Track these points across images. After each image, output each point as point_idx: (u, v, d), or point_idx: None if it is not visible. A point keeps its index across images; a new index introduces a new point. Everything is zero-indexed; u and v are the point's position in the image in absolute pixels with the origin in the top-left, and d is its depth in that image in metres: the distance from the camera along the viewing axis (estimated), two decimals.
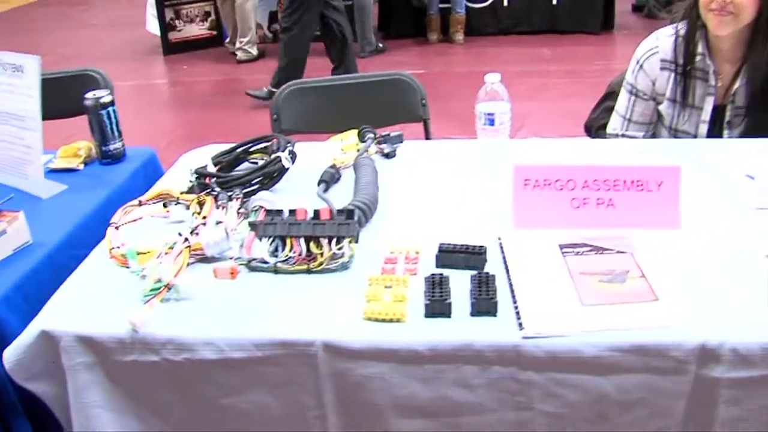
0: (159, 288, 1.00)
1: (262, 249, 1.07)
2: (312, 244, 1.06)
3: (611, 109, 1.79)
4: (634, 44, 1.63)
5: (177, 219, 1.25)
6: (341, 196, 1.27)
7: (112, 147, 1.50)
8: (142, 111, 4.24)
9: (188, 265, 1.06)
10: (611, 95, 1.88)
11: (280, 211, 1.10)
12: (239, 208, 1.23)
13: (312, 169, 1.36)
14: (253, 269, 1.08)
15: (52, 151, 1.54)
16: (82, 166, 1.50)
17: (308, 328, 0.95)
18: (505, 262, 1.06)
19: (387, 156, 1.46)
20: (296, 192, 1.31)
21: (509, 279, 1.02)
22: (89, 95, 1.49)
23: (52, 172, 1.48)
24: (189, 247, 1.08)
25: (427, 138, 1.87)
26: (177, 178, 1.41)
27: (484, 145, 1.39)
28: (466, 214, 1.21)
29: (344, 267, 1.07)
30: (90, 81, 1.84)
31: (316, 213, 1.08)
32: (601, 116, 1.96)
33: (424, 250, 1.09)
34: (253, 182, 1.29)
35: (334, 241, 1.06)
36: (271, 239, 1.07)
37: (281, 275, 1.06)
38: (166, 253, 1.07)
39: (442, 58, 4.98)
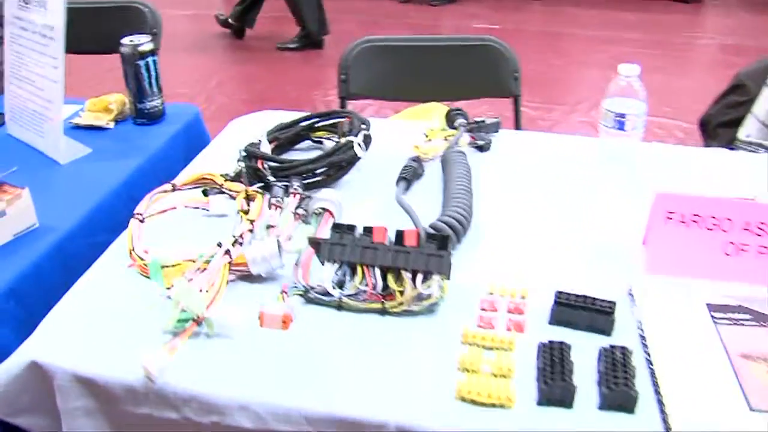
0: (186, 320, 0.73)
1: (324, 274, 0.81)
2: (390, 277, 0.80)
3: (736, 104, 1.47)
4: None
5: (218, 212, 0.99)
6: (423, 198, 1.01)
7: (149, 105, 1.23)
8: (196, 49, 3.92)
9: (227, 283, 0.81)
10: (738, 89, 1.56)
11: (352, 228, 0.83)
12: (296, 207, 0.96)
13: (387, 158, 1.09)
14: (309, 301, 0.82)
15: (81, 100, 1.27)
16: (112, 124, 1.24)
17: (380, 402, 0.70)
18: (640, 330, 0.79)
19: (480, 149, 1.16)
20: (367, 188, 1.05)
21: (648, 357, 0.75)
22: (126, 41, 1.21)
23: (77, 129, 1.23)
24: (230, 263, 0.80)
25: (517, 119, 1.56)
26: (222, 152, 1.16)
27: (607, 149, 1.10)
28: (583, 243, 0.94)
29: (430, 311, 0.81)
30: (134, 16, 1.55)
31: (400, 236, 0.82)
32: (722, 112, 1.64)
33: (533, 294, 0.84)
34: (317, 172, 1.02)
35: (419, 277, 0.79)
36: (337, 265, 0.79)
37: (346, 313, 0.81)
38: (200, 270, 0.79)
39: (518, 15, 4.60)
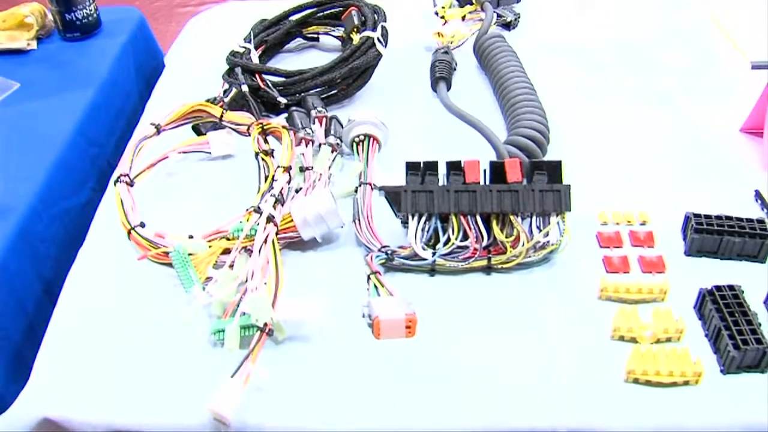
0: (249, 329, 0.52)
1: (409, 231, 0.62)
2: (495, 225, 0.62)
3: None
4: None
5: (222, 152, 0.76)
6: (465, 102, 0.80)
7: (79, 13, 0.92)
8: None
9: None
10: None
11: (433, 166, 0.63)
12: (326, 136, 0.74)
13: (403, 53, 0.89)
14: (392, 268, 0.63)
15: None
16: (35, 44, 0.93)
17: (533, 404, 0.53)
18: None
19: (507, 26, 0.94)
20: (391, 98, 0.84)
21: None
22: None
23: None
24: (277, 232, 0.60)
25: None
26: (191, 68, 0.92)
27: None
28: (677, 144, 0.78)
29: (547, 260, 0.64)
30: None
31: (498, 170, 0.62)
32: None
33: (654, 217, 0.68)
34: (336, 83, 0.80)
35: (535, 220, 0.61)
36: (424, 218, 0.61)
37: (440, 277, 0.62)
38: (240, 250, 0.58)
39: None
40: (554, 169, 0.62)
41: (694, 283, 0.59)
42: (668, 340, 0.56)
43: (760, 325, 0.55)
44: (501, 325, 0.58)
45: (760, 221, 0.63)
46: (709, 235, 0.63)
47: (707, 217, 0.64)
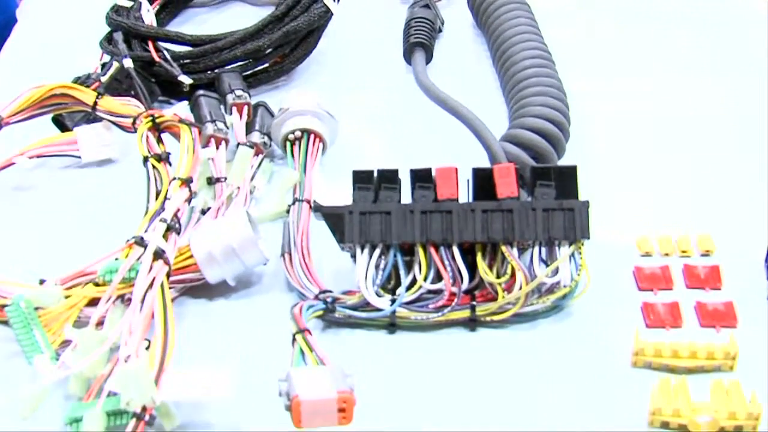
0: (124, 415, 0.52)
1: (356, 270, 0.61)
2: (479, 260, 0.60)
3: None
4: None
5: (96, 157, 0.76)
6: (453, 77, 0.82)
7: None
8: None
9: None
10: None
11: (389, 175, 0.61)
12: (248, 132, 0.75)
13: (360, 3, 0.90)
14: (334, 323, 0.61)
15: None
16: None
17: None
18: None
19: None
20: (345, 74, 0.85)
21: None
22: None
23: None
24: (168, 273, 0.59)
25: None
26: (52, 26, 0.92)
27: None
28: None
29: (555, 310, 0.62)
30: None
31: (483, 180, 0.61)
32: None
33: (723, 245, 0.67)
34: (265, 53, 0.80)
35: (536, 252, 0.60)
36: (378, 251, 0.60)
37: (403, 335, 0.61)
38: (113, 299, 0.59)
39: None
40: (566, 178, 0.60)
41: None
42: (737, 429, 0.54)
43: None
44: (489, 405, 0.56)
45: None
46: None
47: None
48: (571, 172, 0.60)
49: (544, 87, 0.73)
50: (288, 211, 0.67)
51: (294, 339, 0.57)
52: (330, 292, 0.61)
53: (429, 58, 0.82)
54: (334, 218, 0.60)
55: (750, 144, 0.76)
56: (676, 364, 0.57)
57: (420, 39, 0.83)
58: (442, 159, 0.62)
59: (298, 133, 0.72)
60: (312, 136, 0.71)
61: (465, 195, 0.61)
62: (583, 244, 0.60)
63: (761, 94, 0.81)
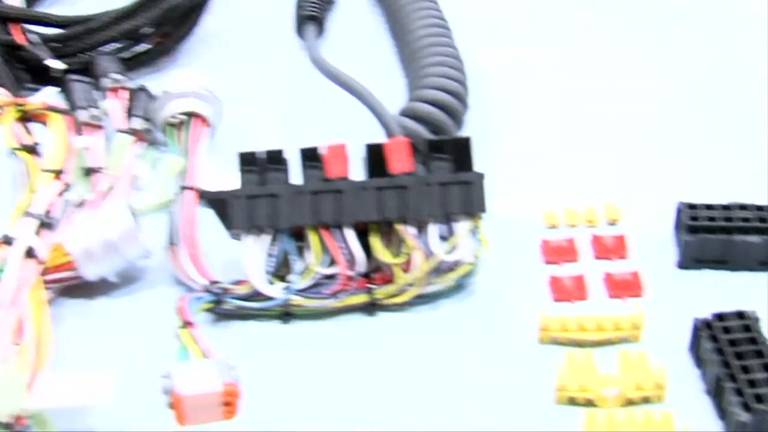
0: None
1: (244, 259, 0.60)
2: (374, 240, 0.60)
3: None
4: None
5: None
6: (349, 52, 0.82)
7: None
8: None
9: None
10: None
11: (276, 156, 0.62)
12: (129, 117, 0.73)
13: None
14: (225, 314, 0.61)
15: None
16: None
17: None
18: None
19: None
20: (229, 51, 0.85)
21: None
22: None
23: None
24: (42, 271, 0.59)
25: None
26: None
27: None
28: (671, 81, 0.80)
29: (459, 289, 0.63)
30: None
31: (377, 154, 0.61)
32: None
33: (630, 213, 0.68)
34: (143, 33, 0.80)
35: (434, 229, 0.60)
36: (268, 236, 0.60)
37: (298, 324, 0.61)
38: None
39: None
40: (461, 150, 0.61)
41: (688, 311, 0.58)
42: (644, 400, 0.55)
43: None
44: (390, 391, 0.56)
45: None
46: (712, 235, 0.62)
47: (710, 207, 0.63)
48: (465, 144, 0.61)
49: (441, 57, 0.74)
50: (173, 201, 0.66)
51: (178, 334, 0.56)
52: (219, 283, 0.60)
53: (320, 33, 0.82)
54: (218, 204, 0.60)
55: (653, 110, 0.78)
56: (582, 337, 0.58)
57: (312, 12, 0.83)
58: (337, 137, 0.62)
59: (180, 117, 0.71)
60: (196, 120, 0.71)
61: (360, 174, 0.61)
62: (481, 219, 0.60)
63: (661, 54, 0.84)
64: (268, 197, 0.60)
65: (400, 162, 0.60)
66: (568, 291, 0.62)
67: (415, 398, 0.55)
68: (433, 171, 0.60)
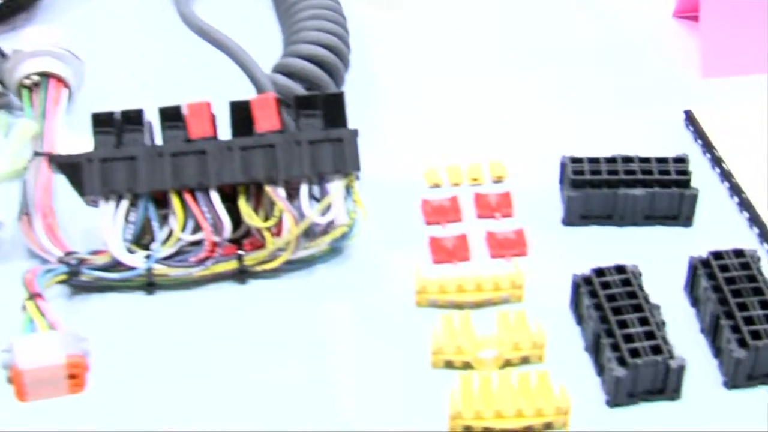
0: None
1: (102, 227, 0.60)
2: (242, 203, 0.60)
3: None
4: None
5: None
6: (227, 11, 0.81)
7: None
8: None
9: None
10: None
11: (133, 116, 0.61)
12: None
13: None
14: (83, 287, 0.61)
15: None
16: None
17: None
18: (739, 198, 0.67)
19: None
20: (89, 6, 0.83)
21: None
22: None
23: None
24: None
25: None
26: None
27: None
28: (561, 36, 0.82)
29: (335, 253, 0.63)
30: None
31: (242, 112, 0.61)
32: None
33: (515, 170, 0.69)
34: None
35: (305, 190, 0.60)
36: (126, 202, 0.60)
37: (165, 295, 0.61)
38: None
39: None
40: (332, 106, 0.61)
41: (572, 269, 0.59)
42: (524, 361, 0.56)
43: (664, 324, 0.54)
44: (263, 362, 0.56)
45: (679, 160, 0.64)
46: (597, 190, 0.63)
47: (593, 161, 0.64)
48: (337, 99, 0.61)
49: (319, 10, 0.74)
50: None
51: (24, 307, 0.55)
52: (75, 253, 0.60)
53: None
54: (70, 168, 0.59)
55: (537, 66, 0.80)
56: (462, 299, 0.59)
57: None
58: (207, 96, 0.61)
59: (35, 78, 0.70)
60: (52, 81, 0.70)
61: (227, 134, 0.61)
62: (355, 178, 0.60)
63: (541, 10, 0.86)
64: (125, 160, 0.59)
65: (267, 120, 0.60)
66: (449, 252, 0.62)
67: (288, 367, 0.56)
68: (303, 128, 0.60)
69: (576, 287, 0.57)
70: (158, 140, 0.60)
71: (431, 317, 0.58)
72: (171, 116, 0.60)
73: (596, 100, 0.76)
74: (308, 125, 0.60)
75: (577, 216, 0.64)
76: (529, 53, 0.82)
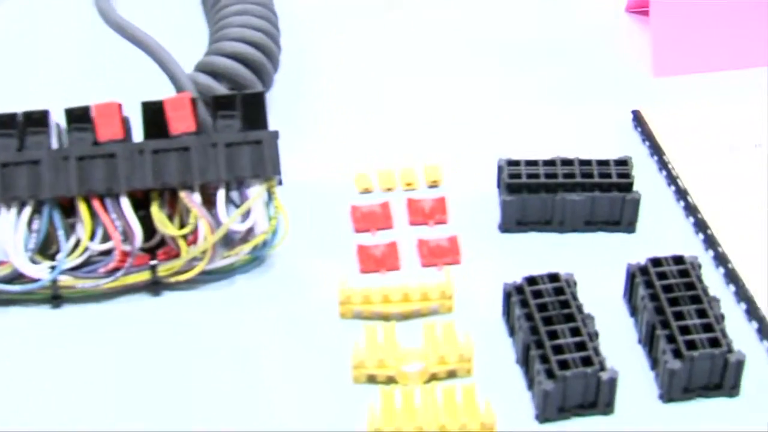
0: None
1: (4, 234, 0.59)
2: (155, 210, 0.60)
3: None
4: None
5: None
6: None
7: None
8: None
9: None
10: None
11: (37, 117, 0.61)
12: None
13: None
14: None
15: None
16: None
17: None
18: (685, 202, 0.67)
19: None
20: None
21: (728, 268, 0.62)
22: None
23: None
24: None
25: None
26: None
27: None
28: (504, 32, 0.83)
29: (255, 263, 0.63)
30: None
31: (155, 113, 0.61)
32: None
33: (450, 175, 0.70)
34: None
35: (221, 195, 0.60)
36: (25, 210, 0.60)
37: (73, 309, 0.61)
38: None
39: None
40: (252, 106, 0.61)
41: (506, 278, 0.59)
42: (451, 375, 0.56)
43: (597, 336, 0.54)
44: (178, 378, 0.56)
45: (622, 162, 0.64)
46: (534, 194, 0.63)
47: (531, 163, 0.64)
48: (257, 99, 0.61)
49: (246, 5, 0.73)
50: None
51: None
52: None
53: None
54: None
55: (478, 63, 0.81)
56: (388, 310, 0.59)
57: None
58: (125, 97, 0.61)
59: None
60: None
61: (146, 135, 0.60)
62: (277, 183, 0.61)
63: (478, 9, 0.87)
64: (27, 164, 0.58)
65: (182, 121, 0.60)
66: (378, 260, 0.62)
67: (204, 384, 0.56)
68: (220, 130, 0.60)
69: (507, 296, 0.57)
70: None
71: (355, 330, 0.58)
72: (78, 118, 0.60)
73: (541, 98, 0.76)
74: (226, 127, 0.60)
75: (513, 222, 0.64)
76: (469, 49, 0.82)
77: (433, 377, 0.55)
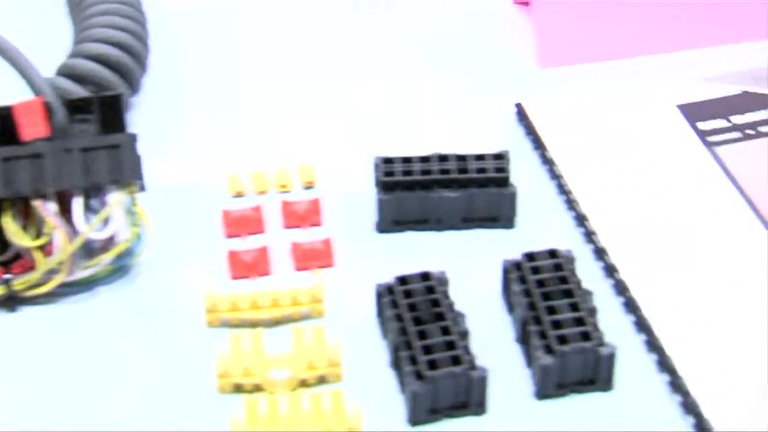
0: None
1: None
2: (7, 220, 0.60)
3: None
4: None
5: None
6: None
7: None
8: None
9: None
10: None
11: None
12: None
13: None
14: None
15: None
16: None
17: None
18: (566, 196, 0.69)
19: None
20: None
21: (607, 261, 0.64)
22: None
23: None
24: None
25: None
26: None
27: None
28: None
29: (118, 274, 0.64)
30: None
31: (5, 118, 0.61)
32: None
33: (325, 174, 0.71)
34: None
35: (79, 203, 0.61)
36: None
37: None
38: None
39: None
40: (108, 109, 0.61)
41: (382, 279, 0.60)
42: (321, 380, 0.57)
43: (466, 335, 0.55)
44: (37, 396, 0.56)
45: (498, 157, 0.65)
46: (409, 192, 0.65)
47: (406, 160, 0.65)
48: (114, 102, 0.61)
49: (112, 5, 0.73)
50: None
51: None
52: None
53: None
54: None
55: (355, 59, 0.82)
56: (257, 316, 0.60)
57: None
58: None
59: None
60: None
61: None
62: (138, 188, 0.61)
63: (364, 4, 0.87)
64: None
65: (33, 126, 0.60)
66: (248, 266, 0.63)
67: (66, 400, 0.56)
68: (75, 135, 0.60)
69: (379, 297, 0.58)
70: None
71: (223, 338, 0.59)
72: None
73: (423, 94, 0.77)
74: (82, 131, 0.60)
75: (390, 222, 0.65)
76: (344, 44, 0.84)
77: (303, 383, 0.56)
